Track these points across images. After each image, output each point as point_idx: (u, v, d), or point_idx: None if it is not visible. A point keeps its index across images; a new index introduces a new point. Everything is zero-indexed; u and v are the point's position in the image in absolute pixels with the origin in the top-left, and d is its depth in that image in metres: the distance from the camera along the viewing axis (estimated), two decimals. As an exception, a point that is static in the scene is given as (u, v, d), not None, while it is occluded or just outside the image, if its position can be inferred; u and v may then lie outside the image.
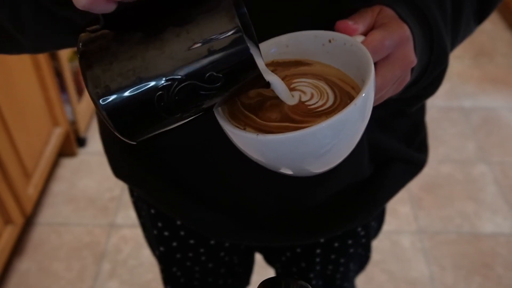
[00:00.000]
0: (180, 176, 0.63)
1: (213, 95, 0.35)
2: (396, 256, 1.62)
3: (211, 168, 0.61)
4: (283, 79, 0.43)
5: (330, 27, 0.44)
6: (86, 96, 1.96)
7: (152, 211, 0.73)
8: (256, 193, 0.61)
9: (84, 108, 1.95)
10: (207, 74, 0.34)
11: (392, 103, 0.56)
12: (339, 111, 0.38)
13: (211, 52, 0.33)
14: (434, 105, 2.17)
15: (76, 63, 1.94)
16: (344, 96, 0.41)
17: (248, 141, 0.38)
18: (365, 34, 0.42)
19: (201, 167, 0.61)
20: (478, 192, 1.84)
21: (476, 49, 2.60)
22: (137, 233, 1.67)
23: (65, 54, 1.74)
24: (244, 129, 0.39)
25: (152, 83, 0.33)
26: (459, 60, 2.51)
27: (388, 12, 0.44)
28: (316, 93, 0.41)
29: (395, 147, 0.65)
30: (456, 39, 0.55)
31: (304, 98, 0.41)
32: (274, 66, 0.45)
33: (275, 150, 0.37)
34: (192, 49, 0.33)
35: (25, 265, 1.58)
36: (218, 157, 0.59)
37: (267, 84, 0.38)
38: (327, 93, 0.41)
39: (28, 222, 1.69)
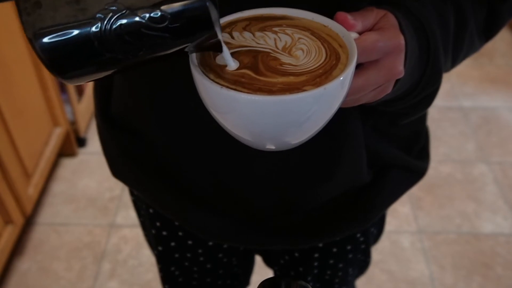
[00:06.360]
0: (177, 178, 0.63)
1: (156, 37, 0.32)
2: (396, 256, 1.62)
3: (208, 170, 0.60)
4: (263, 28, 0.42)
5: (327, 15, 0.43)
6: (86, 96, 1.96)
7: (151, 210, 0.73)
8: (254, 196, 0.61)
9: (84, 108, 1.95)
10: (149, 9, 0.31)
11: (383, 113, 0.55)
12: (314, 73, 0.37)
13: None
14: (434, 105, 2.15)
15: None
16: (332, 52, 0.40)
17: (225, 98, 0.36)
18: (361, 33, 0.42)
19: (198, 169, 0.61)
20: (478, 192, 1.84)
21: (476, 49, 2.60)
22: (137, 233, 1.67)
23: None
24: (218, 83, 0.36)
25: (88, 13, 0.31)
26: (459, 60, 2.51)
27: (391, 19, 0.44)
28: (304, 48, 0.40)
29: (394, 154, 0.64)
30: (458, 57, 0.54)
31: (295, 52, 0.40)
32: (250, 20, 0.43)
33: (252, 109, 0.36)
34: None
35: (25, 265, 1.58)
36: (215, 159, 0.59)
37: (219, 45, 0.36)
38: (316, 48, 0.40)
39: (28, 222, 1.69)
